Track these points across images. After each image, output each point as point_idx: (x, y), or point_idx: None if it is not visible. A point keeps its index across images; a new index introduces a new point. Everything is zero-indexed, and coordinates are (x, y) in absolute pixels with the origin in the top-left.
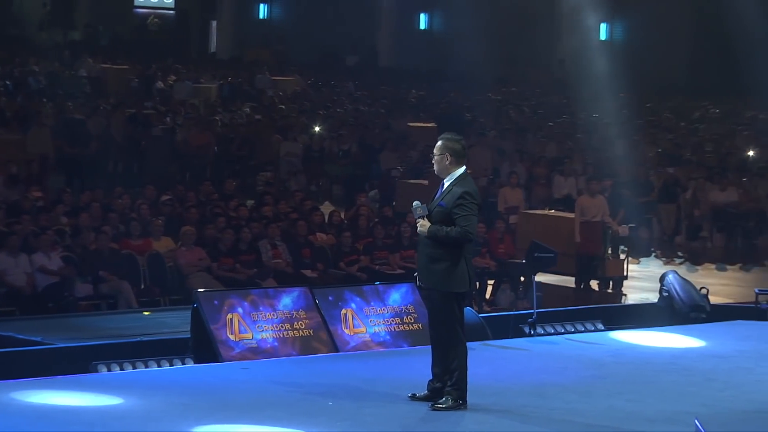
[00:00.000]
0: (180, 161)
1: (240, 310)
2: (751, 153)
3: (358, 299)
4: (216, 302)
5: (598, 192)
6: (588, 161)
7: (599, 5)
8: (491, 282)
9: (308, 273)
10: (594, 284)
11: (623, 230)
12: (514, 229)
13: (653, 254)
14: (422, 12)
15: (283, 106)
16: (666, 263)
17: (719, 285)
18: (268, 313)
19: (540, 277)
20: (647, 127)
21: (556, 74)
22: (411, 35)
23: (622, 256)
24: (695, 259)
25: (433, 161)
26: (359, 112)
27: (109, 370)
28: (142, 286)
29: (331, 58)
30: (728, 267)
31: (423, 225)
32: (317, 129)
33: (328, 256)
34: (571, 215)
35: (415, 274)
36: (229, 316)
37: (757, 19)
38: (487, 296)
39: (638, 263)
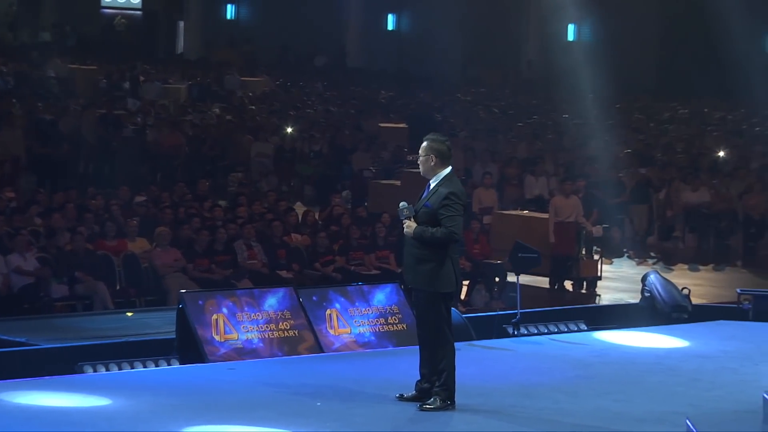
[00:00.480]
0: (151, 162)
1: (225, 310)
2: (721, 154)
3: (342, 299)
4: (201, 302)
5: (572, 192)
6: (559, 162)
7: (567, 6)
8: (466, 282)
9: (284, 274)
10: (568, 285)
11: (597, 231)
12: (488, 230)
13: (626, 255)
14: (390, 13)
15: (253, 107)
16: (639, 264)
17: (692, 285)
18: (253, 314)
19: (514, 278)
20: (617, 127)
21: (524, 75)
22: (379, 36)
23: (596, 257)
24: (668, 260)
25: (418, 162)
26: (329, 112)
27: (95, 371)
28: (118, 287)
29: (300, 59)
30: (701, 267)
31: (409, 226)
32: (289, 130)
33: (303, 257)
34: (545, 216)
35: (400, 271)
36: (215, 316)
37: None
38: (462, 296)
39: (611, 264)
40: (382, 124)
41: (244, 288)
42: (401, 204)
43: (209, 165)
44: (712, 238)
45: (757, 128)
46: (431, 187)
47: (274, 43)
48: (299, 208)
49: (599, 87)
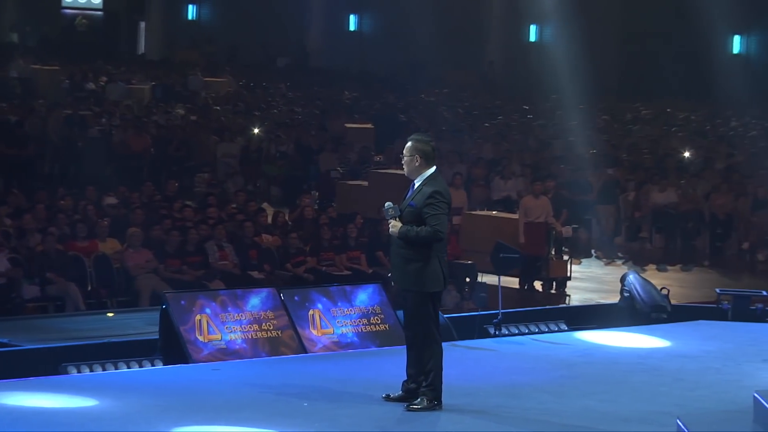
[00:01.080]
0: (117, 163)
1: (208, 311)
2: (687, 154)
3: (324, 300)
4: (183, 302)
5: (541, 193)
6: (526, 162)
7: (528, 7)
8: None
9: (255, 274)
10: (538, 285)
11: (567, 231)
12: (458, 230)
13: (594, 255)
14: (351, 13)
15: (218, 108)
16: (607, 264)
17: (661, 286)
18: (236, 314)
19: (485, 278)
20: (582, 128)
21: (487, 76)
22: (341, 36)
23: (566, 257)
24: (636, 260)
25: (403, 162)
26: (294, 113)
27: (78, 371)
28: (89, 288)
29: (262, 60)
30: (669, 268)
31: (394, 226)
32: (255, 131)
33: (274, 258)
34: (515, 216)
35: (389, 274)
36: (198, 317)
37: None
38: None
39: (580, 264)
40: (348, 125)
41: (222, 289)
42: (386, 204)
43: (175, 166)
44: (679, 239)
45: (722, 129)
46: (415, 186)
47: (236, 43)
48: (266, 209)
49: (562, 88)
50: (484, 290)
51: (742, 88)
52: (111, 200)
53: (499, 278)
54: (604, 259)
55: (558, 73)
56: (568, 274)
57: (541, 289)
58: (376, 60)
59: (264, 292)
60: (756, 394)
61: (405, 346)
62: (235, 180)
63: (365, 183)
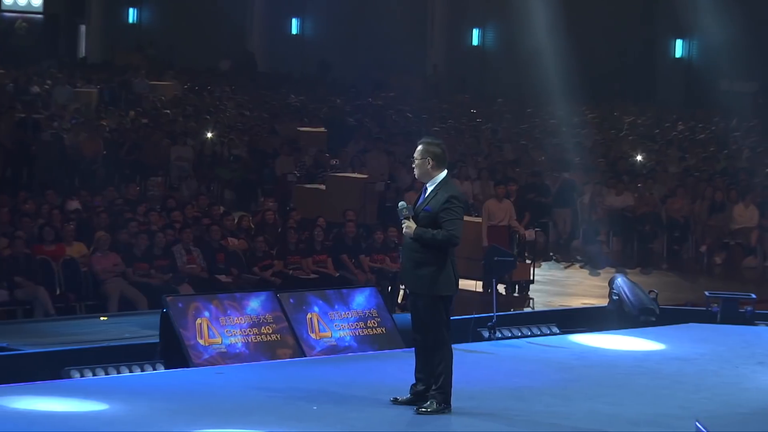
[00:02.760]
0: (69, 166)
1: (207, 314)
2: (639, 158)
3: (321, 303)
4: (184, 306)
5: (504, 196)
6: (481, 166)
7: (470, 11)
8: (403, 286)
9: (223, 278)
10: (501, 288)
11: (530, 234)
12: None
13: (553, 258)
14: (294, 17)
15: (168, 111)
16: (566, 267)
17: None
18: (235, 318)
19: None
20: (533, 131)
21: (431, 80)
22: (283, 40)
23: (528, 261)
24: (594, 263)
25: (413, 165)
26: (244, 116)
27: (81, 375)
28: (58, 292)
29: (204, 63)
30: (628, 271)
31: (409, 226)
32: (209, 135)
33: (242, 261)
34: (477, 219)
35: (399, 280)
36: (199, 320)
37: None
38: (400, 300)
39: (540, 267)
40: (301, 129)
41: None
42: (400, 204)
43: (128, 169)
44: (636, 242)
45: (674, 133)
46: (428, 191)
47: (177, 46)
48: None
49: (507, 91)
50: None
51: (685, 92)
52: (74, 204)
53: (494, 282)
54: (563, 263)
55: (502, 76)
56: (531, 278)
57: (504, 293)
58: (319, 63)
59: (263, 295)
60: None
61: (405, 350)
62: (189, 183)
63: (322, 187)
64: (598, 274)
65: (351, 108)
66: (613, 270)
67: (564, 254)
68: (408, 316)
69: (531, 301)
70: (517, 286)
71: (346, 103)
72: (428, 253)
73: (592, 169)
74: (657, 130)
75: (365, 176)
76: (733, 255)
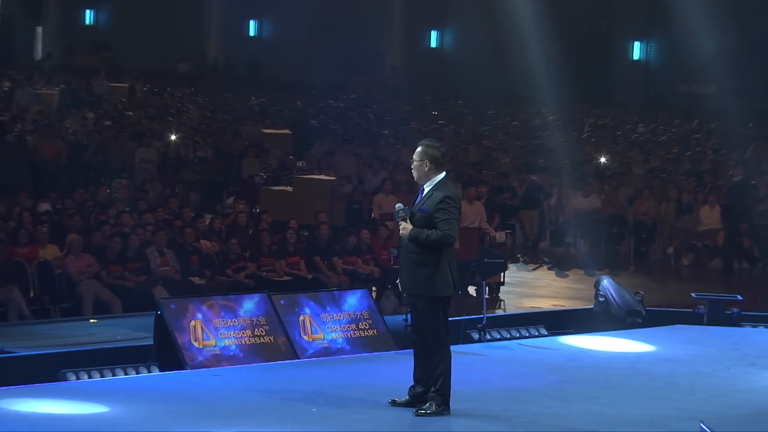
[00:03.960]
0: (33, 169)
1: (201, 316)
2: (603, 160)
3: (313, 304)
4: (177, 308)
5: (475, 198)
6: (447, 168)
7: (428, 13)
8: (375, 288)
9: (196, 280)
10: (471, 290)
11: (500, 236)
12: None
13: (521, 260)
14: (252, 19)
15: (131, 113)
16: (534, 269)
17: (590, 290)
18: (229, 320)
19: None
20: (496, 133)
21: (390, 81)
22: (242, 42)
23: None
24: (562, 265)
25: (412, 167)
26: (207, 118)
27: (77, 378)
28: (32, 294)
29: (162, 64)
30: (597, 272)
31: (405, 228)
32: (173, 137)
33: (215, 263)
34: None
35: (398, 281)
36: (193, 323)
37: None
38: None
39: (508, 269)
40: (266, 131)
41: (217, 295)
42: (397, 206)
43: (92, 171)
44: (604, 244)
45: (635, 135)
46: (425, 192)
47: (135, 48)
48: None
49: (468, 93)
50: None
51: (643, 94)
52: (45, 206)
53: (484, 284)
54: (531, 264)
55: (461, 78)
56: (502, 279)
57: (475, 295)
58: (278, 65)
59: (256, 297)
60: None
61: (398, 351)
62: (154, 185)
63: (289, 189)
64: (566, 276)
65: (313, 110)
66: (581, 272)
67: (532, 256)
68: (399, 318)
69: (502, 302)
70: (487, 288)
71: (308, 105)
72: (425, 254)
73: (559, 172)
74: (619, 132)
75: (332, 178)
76: (700, 256)
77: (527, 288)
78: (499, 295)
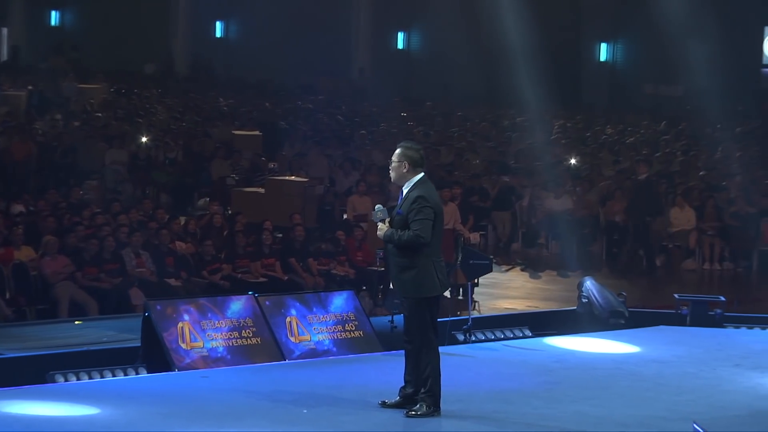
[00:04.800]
0: (2, 170)
1: (188, 317)
2: (573, 161)
3: (299, 306)
4: (164, 310)
5: (449, 200)
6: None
7: (395, 14)
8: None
9: (172, 282)
10: (446, 292)
11: (474, 237)
12: (366, 238)
13: (493, 261)
14: (218, 20)
15: (100, 114)
16: (507, 270)
17: (564, 291)
18: (216, 321)
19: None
20: (465, 135)
21: (357, 83)
22: (208, 43)
23: None
24: (535, 266)
25: (390, 168)
26: (176, 119)
27: (66, 380)
28: (7, 296)
29: (128, 66)
30: (570, 274)
31: (381, 228)
32: (143, 138)
33: (190, 264)
34: None
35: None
36: (180, 324)
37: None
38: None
39: None
40: (236, 132)
41: (202, 296)
42: (376, 207)
43: (62, 173)
44: (576, 245)
45: (604, 136)
46: (404, 193)
47: (101, 49)
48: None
49: (434, 94)
50: (397, 296)
51: (610, 95)
52: (18, 208)
53: (470, 285)
54: (504, 266)
55: (428, 80)
56: (476, 281)
57: (449, 296)
58: (245, 67)
59: (243, 299)
60: None
61: (385, 353)
62: (125, 187)
63: (261, 190)
64: (540, 277)
65: (282, 111)
66: (554, 273)
67: (504, 257)
68: (385, 319)
69: (476, 304)
70: (461, 289)
71: (276, 107)
72: (408, 256)
73: (531, 173)
74: (588, 134)
75: (305, 179)
76: (672, 258)
77: (501, 289)
78: (473, 296)
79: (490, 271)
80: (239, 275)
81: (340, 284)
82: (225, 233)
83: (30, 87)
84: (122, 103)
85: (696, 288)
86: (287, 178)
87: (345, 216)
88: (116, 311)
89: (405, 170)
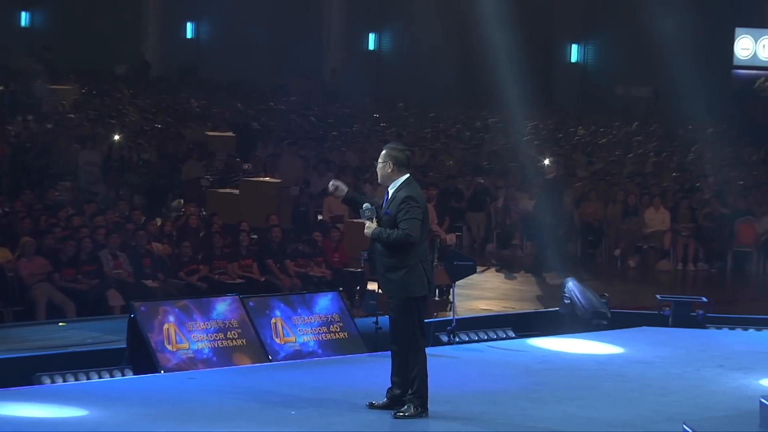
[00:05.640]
0: None
1: (174, 319)
2: (546, 162)
3: (284, 307)
4: (151, 312)
5: (426, 201)
6: None
7: (366, 16)
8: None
9: (149, 283)
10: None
11: (450, 238)
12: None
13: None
14: (189, 21)
15: (73, 115)
16: (482, 271)
17: (539, 292)
18: (202, 323)
19: (373, 285)
20: (438, 136)
21: (328, 84)
22: (179, 44)
23: None
24: (510, 267)
25: (377, 169)
26: (148, 120)
27: (53, 381)
28: None
29: (99, 66)
30: (545, 274)
31: (368, 227)
32: (116, 138)
33: (167, 266)
34: None
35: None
36: (166, 326)
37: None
38: None
39: None
40: (210, 133)
41: (187, 298)
42: (364, 205)
43: (35, 174)
44: (550, 246)
45: (576, 137)
46: (390, 193)
47: (72, 50)
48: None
49: (406, 96)
50: (374, 297)
51: (581, 96)
52: None
53: (452, 286)
54: (479, 266)
55: (399, 81)
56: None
57: None
58: (216, 67)
59: (228, 300)
60: (763, 400)
61: (370, 354)
62: (98, 188)
63: (236, 191)
64: (515, 278)
65: (254, 112)
66: (529, 274)
67: (479, 258)
68: (370, 320)
69: (451, 305)
70: (437, 290)
71: (249, 108)
72: (396, 256)
73: (505, 174)
74: (560, 135)
75: (279, 180)
76: (647, 258)
77: (476, 290)
78: (449, 297)
79: (474, 272)
80: (216, 276)
81: (317, 285)
82: (201, 234)
83: (1, 88)
84: (94, 104)
85: (670, 289)
86: (262, 179)
87: (320, 217)
88: (94, 313)
89: (390, 170)
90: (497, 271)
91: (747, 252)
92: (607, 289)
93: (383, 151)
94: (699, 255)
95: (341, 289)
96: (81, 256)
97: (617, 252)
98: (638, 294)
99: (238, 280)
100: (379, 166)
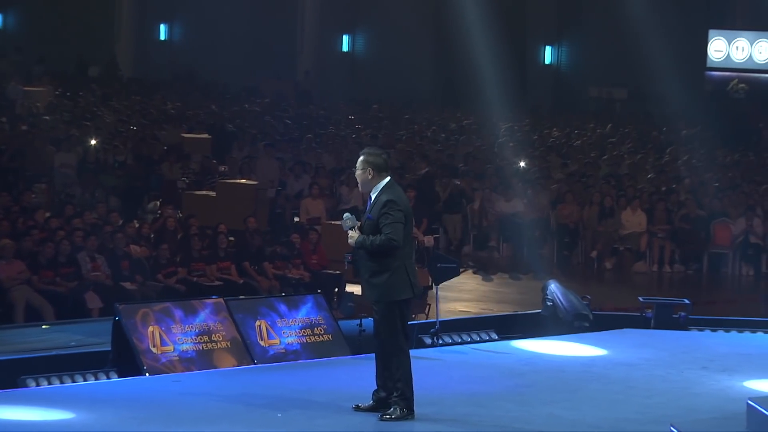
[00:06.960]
0: None
1: (157, 321)
2: (522, 164)
3: (268, 310)
4: (135, 314)
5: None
6: None
7: (339, 17)
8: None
9: (128, 285)
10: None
11: (428, 240)
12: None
13: None
14: (162, 22)
15: (47, 117)
16: (460, 273)
17: (517, 294)
18: (186, 326)
19: (351, 288)
20: (413, 138)
21: (302, 86)
22: (152, 45)
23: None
24: (486, 269)
25: (356, 176)
26: (123, 122)
27: (37, 384)
28: None
29: (73, 68)
30: (522, 276)
31: (351, 236)
32: (93, 142)
33: (146, 268)
34: None
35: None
36: (151, 328)
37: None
38: None
39: None
40: (185, 135)
41: (170, 300)
42: (345, 215)
43: (10, 176)
44: (527, 248)
45: (551, 139)
46: (372, 198)
47: (45, 52)
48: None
49: (379, 97)
50: (352, 300)
51: (554, 98)
52: None
53: (436, 288)
54: None
55: (373, 82)
56: (430, 284)
57: None
58: (190, 69)
59: (212, 303)
60: (750, 401)
61: (353, 356)
62: (73, 190)
63: (212, 193)
64: (491, 280)
65: (228, 114)
66: (506, 276)
67: (457, 260)
68: (354, 323)
69: (428, 307)
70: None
71: (223, 109)
72: (379, 261)
73: (481, 176)
74: (535, 137)
75: (255, 182)
76: (623, 260)
77: (454, 292)
78: (427, 299)
79: (458, 275)
80: (195, 279)
81: (295, 288)
82: (179, 237)
83: None
84: (68, 105)
85: (647, 291)
86: (238, 181)
87: (296, 219)
88: (72, 315)
89: (370, 177)
90: (474, 272)
91: (723, 254)
92: (583, 290)
93: (360, 158)
94: (675, 257)
95: (319, 291)
96: (59, 259)
97: (593, 254)
98: (615, 296)
99: (217, 283)
100: (358, 173)
